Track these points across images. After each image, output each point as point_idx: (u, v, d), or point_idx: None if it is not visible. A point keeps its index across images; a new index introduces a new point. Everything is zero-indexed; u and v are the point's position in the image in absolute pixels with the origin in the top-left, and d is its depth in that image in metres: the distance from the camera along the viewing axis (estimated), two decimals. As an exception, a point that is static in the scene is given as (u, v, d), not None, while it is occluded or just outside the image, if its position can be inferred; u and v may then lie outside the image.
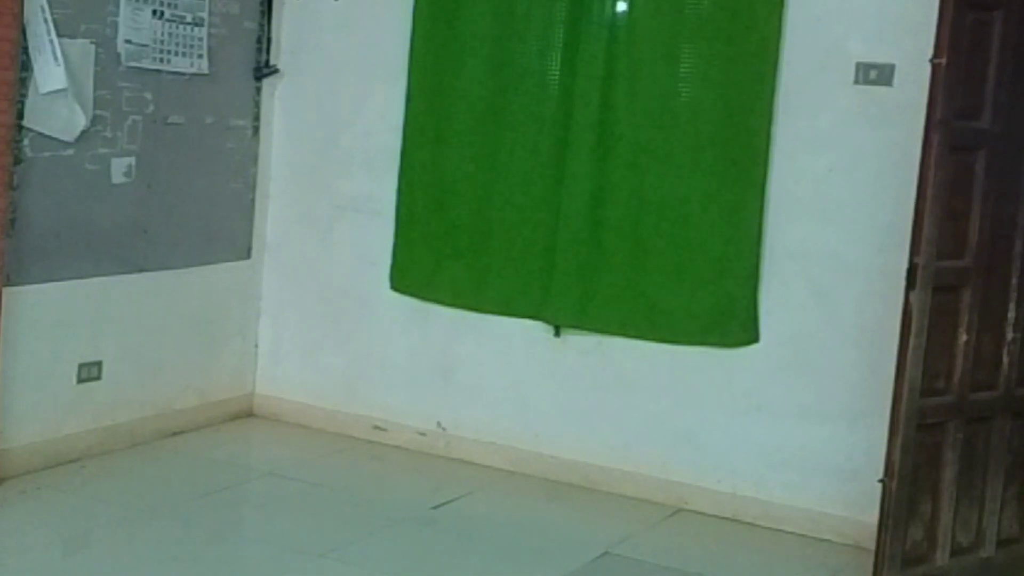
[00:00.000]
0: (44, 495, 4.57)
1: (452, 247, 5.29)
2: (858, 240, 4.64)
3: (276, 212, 5.71)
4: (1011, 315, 4.15)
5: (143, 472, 4.93)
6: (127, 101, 4.95)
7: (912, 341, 3.89)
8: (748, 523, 4.84)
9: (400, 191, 5.39)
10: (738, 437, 4.87)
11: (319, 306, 5.65)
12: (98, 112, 4.82)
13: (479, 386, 5.34)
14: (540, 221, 5.11)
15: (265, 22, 5.56)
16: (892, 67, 4.55)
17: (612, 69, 4.92)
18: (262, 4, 5.54)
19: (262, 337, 5.78)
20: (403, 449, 5.43)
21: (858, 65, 4.61)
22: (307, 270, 5.68)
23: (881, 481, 3.98)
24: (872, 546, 4.07)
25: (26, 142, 4.56)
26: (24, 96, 4.52)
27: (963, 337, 4.04)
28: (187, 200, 5.29)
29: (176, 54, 5.14)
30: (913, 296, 3.88)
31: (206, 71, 5.28)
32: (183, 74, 5.18)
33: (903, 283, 3.91)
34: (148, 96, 5.03)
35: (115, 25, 4.86)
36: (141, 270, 5.11)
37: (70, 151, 4.74)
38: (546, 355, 5.19)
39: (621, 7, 4.90)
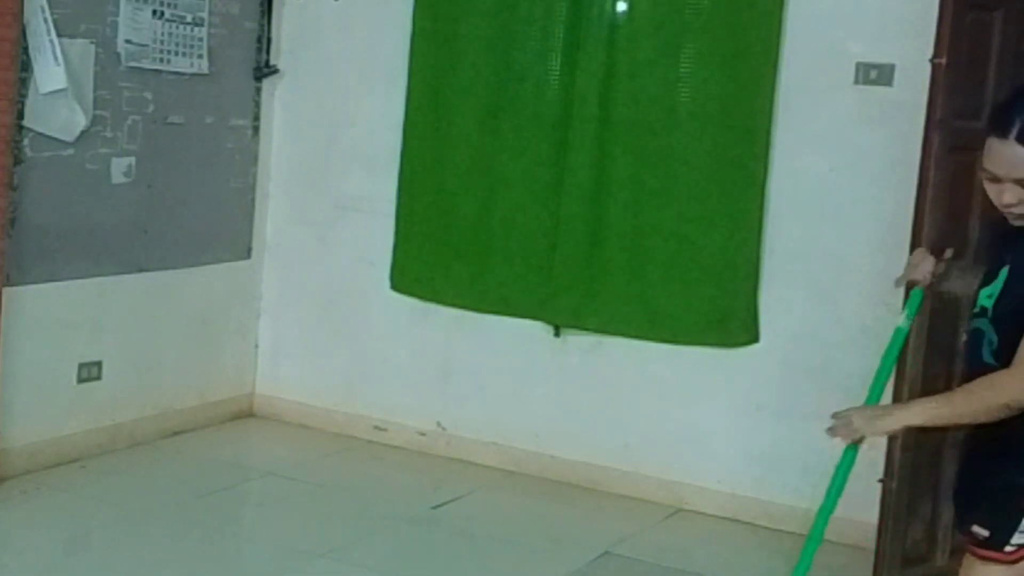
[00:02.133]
0: (44, 495, 4.57)
1: (452, 247, 5.29)
2: (858, 240, 4.64)
3: (276, 212, 5.71)
4: (1011, 315, 4.15)
5: (143, 472, 4.93)
6: (127, 101, 4.95)
7: (912, 341, 3.89)
8: (748, 523, 4.84)
9: (400, 191, 5.39)
10: (738, 437, 4.87)
11: (319, 306, 5.65)
12: (98, 112, 4.82)
13: (479, 386, 5.34)
14: (540, 221, 5.11)
15: (265, 22, 5.56)
16: (892, 67, 4.55)
17: (612, 69, 4.92)
18: (262, 4, 5.54)
19: (262, 337, 5.77)
20: (403, 449, 5.43)
21: (858, 65, 4.61)
22: (307, 270, 5.68)
23: (881, 481, 3.98)
24: (872, 546, 4.08)
25: (26, 142, 4.56)
26: (24, 96, 4.52)
27: (963, 337, 4.03)
28: (187, 200, 5.29)
29: (176, 54, 5.14)
30: (913, 296, 3.87)
31: (206, 71, 5.28)
32: (183, 74, 5.18)
33: (903, 283, 3.91)
34: (148, 96, 5.03)
35: (115, 25, 4.86)
36: (141, 270, 5.11)
37: (70, 151, 4.73)
38: (546, 355, 5.19)
39: (621, 7, 4.90)
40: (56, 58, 4.57)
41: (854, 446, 2.91)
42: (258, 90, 5.59)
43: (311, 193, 5.63)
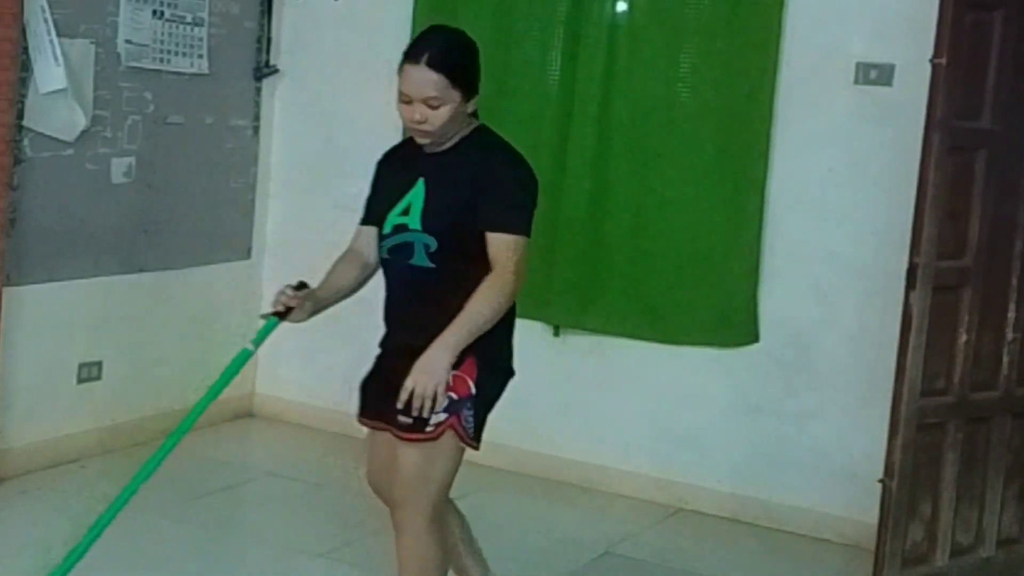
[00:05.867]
0: (44, 495, 4.57)
1: (452, 247, 5.28)
2: (858, 240, 4.64)
3: (276, 212, 5.70)
4: (1011, 315, 4.15)
5: (143, 472, 4.92)
6: (127, 101, 4.95)
7: (912, 341, 3.89)
8: (748, 523, 4.84)
9: (400, 191, 5.38)
10: (738, 437, 4.87)
11: (319, 306, 5.64)
12: (98, 112, 4.82)
13: (479, 386, 5.33)
14: (540, 221, 5.09)
15: (265, 22, 5.56)
16: (892, 67, 4.55)
17: (612, 69, 4.92)
18: (262, 4, 5.54)
19: (262, 337, 5.76)
20: (403, 449, 5.41)
21: (858, 65, 4.61)
22: (307, 270, 5.64)
23: (881, 481, 3.98)
24: (872, 546, 4.08)
25: (26, 142, 4.56)
26: (24, 96, 4.53)
27: (963, 337, 4.04)
28: (187, 200, 5.29)
29: (176, 54, 5.14)
30: (913, 296, 3.88)
31: (206, 71, 5.28)
32: (183, 74, 5.18)
33: (903, 283, 3.91)
34: (148, 96, 5.04)
35: (115, 25, 4.86)
36: (141, 270, 5.11)
37: (70, 151, 4.74)
38: (546, 355, 5.19)
39: (621, 7, 4.91)
40: (56, 58, 4.57)
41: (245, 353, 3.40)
42: (258, 90, 5.59)
43: (311, 193, 5.63)
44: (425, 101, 3.06)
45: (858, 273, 4.64)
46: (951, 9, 3.80)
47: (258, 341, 3.41)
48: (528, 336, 5.15)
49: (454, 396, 3.11)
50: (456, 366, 3.08)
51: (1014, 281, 4.14)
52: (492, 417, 5.29)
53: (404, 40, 5.32)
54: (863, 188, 4.63)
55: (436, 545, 3.23)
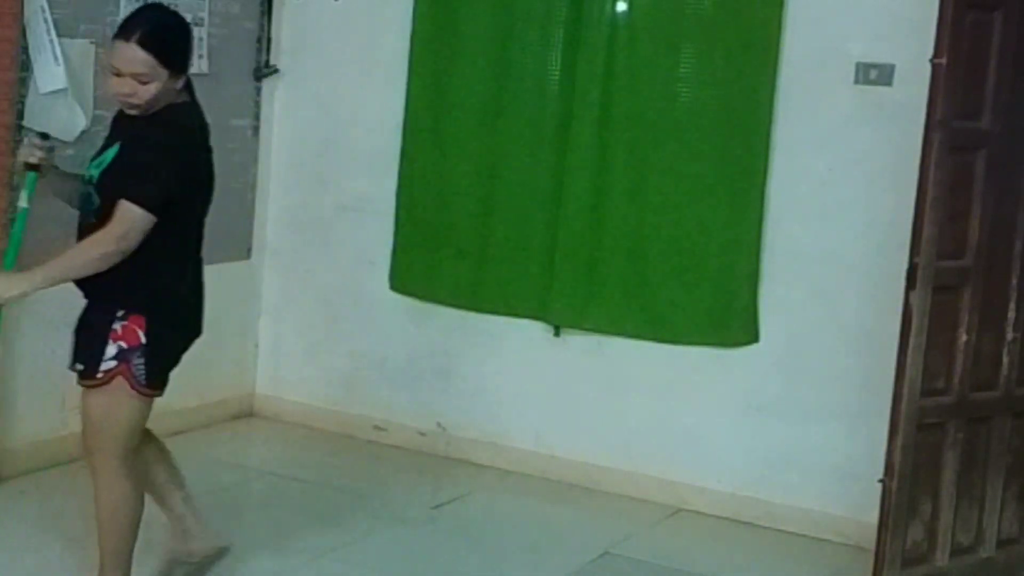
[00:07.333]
0: (44, 495, 4.56)
1: (452, 247, 5.29)
2: (858, 240, 4.64)
3: (276, 212, 5.70)
4: (1011, 315, 4.15)
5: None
6: (127, 101, 4.94)
7: (912, 341, 3.89)
8: (748, 523, 4.84)
9: (400, 191, 5.39)
10: (738, 437, 4.87)
11: (319, 306, 5.65)
12: (98, 112, 4.81)
13: (479, 386, 5.34)
14: (540, 221, 5.11)
15: (265, 22, 5.56)
16: (892, 67, 4.55)
17: (612, 69, 4.92)
18: (262, 4, 5.54)
19: (262, 337, 5.77)
20: (403, 449, 5.43)
21: (858, 65, 4.61)
22: (307, 270, 5.67)
23: (881, 481, 3.98)
24: (872, 546, 4.08)
25: (26, 142, 4.55)
26: (24, 96, 4.52)
27: (963, 337, 4.04)
28: (187, 200, 5.28)
29: (176, 54, 5.13)
30: (913, 296, 3.88)
31: (206, 71, 5.27)
32: (183, 74, 5.17)
33: (903, 283, 3.91)
34: (148, 96, 5.03)
35: (115, 25, 4.80)
36: (141, 270, 5.10)
37: (70, 151, 4.73)
38: (546, 355, 5.19)
39: (621, 7, 4.90)
40: (56, 58, 4.57)
41: None
42: (258, 90, 5.59)
43: (311, 193, 5.63)
44: (134, 76, 3.27)
45: (858, 273, 4.64)
46: (951, 9, 3.80)
47: (29, 198, 3.53)
48: (528, 336, 5.21)
49: (124, 345, 3.41)
50: (124, 319, 3.39)
51: (1014, 281, 4.14)
52: (491, 416, 5.34)
53: (404, 40, 5.39)
54: (863, 188, 4.63)
55: (130, 489, 3.53)
